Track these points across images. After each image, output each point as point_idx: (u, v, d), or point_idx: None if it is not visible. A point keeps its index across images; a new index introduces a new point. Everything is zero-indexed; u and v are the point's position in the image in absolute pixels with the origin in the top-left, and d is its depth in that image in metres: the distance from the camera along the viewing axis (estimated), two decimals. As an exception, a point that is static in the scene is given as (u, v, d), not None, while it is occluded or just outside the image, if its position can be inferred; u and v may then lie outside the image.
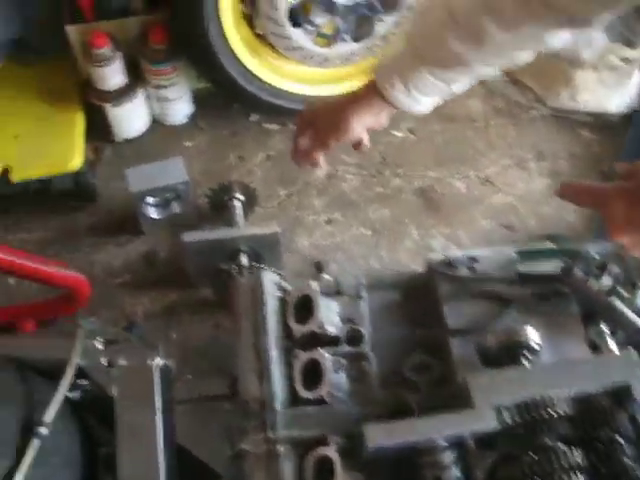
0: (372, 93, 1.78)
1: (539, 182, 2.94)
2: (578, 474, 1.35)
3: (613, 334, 1.63)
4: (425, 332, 1.66)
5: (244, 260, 2.28)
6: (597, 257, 1.64)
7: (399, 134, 3.00)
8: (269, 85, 2.78)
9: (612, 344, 1.60)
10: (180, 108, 3.00)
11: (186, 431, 1.92)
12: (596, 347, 1.62)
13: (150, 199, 2.60)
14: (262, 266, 2.08)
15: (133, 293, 2.60)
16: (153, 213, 2.66)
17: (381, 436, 1.36)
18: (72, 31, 2.74)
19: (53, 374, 1.65)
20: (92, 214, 2.80)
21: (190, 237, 2.32)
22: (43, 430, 1.36)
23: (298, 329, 1.58)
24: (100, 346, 1.62)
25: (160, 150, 2.94)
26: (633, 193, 1.44)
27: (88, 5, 2.68)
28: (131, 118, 2.92)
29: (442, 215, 2.84)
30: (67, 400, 1.54)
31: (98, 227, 2.76)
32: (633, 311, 1.60)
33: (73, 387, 1.56)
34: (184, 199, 2.62)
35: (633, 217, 1.44)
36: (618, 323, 1.62)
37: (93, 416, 1.66)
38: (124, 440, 1.47)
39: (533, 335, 1.49)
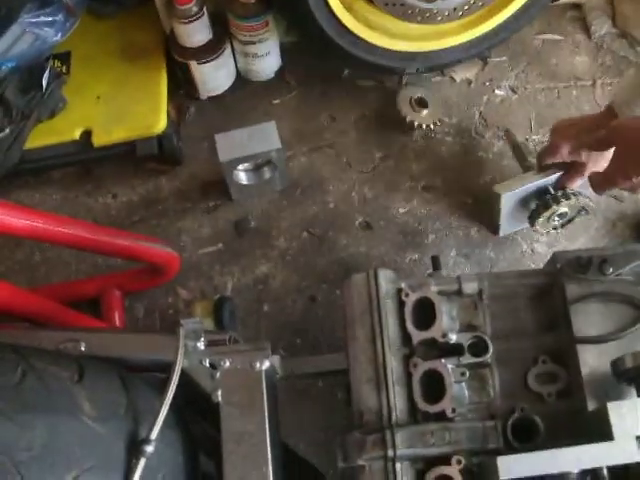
0: None
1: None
2: None
3: None
4: (550, 338, 1.57)
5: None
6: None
7: (500, 92, 2.85)
8: (363, 41, 2.62)
9: None
10: (268, 63, 2.85)
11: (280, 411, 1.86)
12: None
13: (240, 166, 2.48)
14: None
15: (222, 263, 2.51)
16: (243, 179, 2.56)
17: (514, 469, 1.28)
18: (154, -16, 2.61)
19: (151, 370, 1.60)
20: (177, 177, 2.69)
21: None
22: (149, 448, 1.29)
23: (417, 335, 1.50)
24: (202, 347, 1.55)
25: (247, 108, 2.82)
26: None
27: (172, -45, 2.55)
28: (216, 75, 2.78)
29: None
30: (178, 413, 1.50)
31: (184, 191, 2.66)
32: None
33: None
34: (276, 164, 2.50)
35: None
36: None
37: (193, 412, 1.61)
38: (230, 449, 1.44)
39: None
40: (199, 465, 1.52)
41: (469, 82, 2.88)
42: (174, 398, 1.38)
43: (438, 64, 2.80)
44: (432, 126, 2.72)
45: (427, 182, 2.64)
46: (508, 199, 2.28)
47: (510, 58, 2.94)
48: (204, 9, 2.56)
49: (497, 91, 2.86)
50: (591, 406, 1.43)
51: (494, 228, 2.46)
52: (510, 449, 1.41)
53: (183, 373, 1.45)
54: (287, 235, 2.55)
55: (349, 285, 1.58)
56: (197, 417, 1.61)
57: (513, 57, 2.94)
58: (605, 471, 1.31)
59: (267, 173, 2.56)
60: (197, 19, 2.56)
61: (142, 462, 1.26)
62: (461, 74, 2.89)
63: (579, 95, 2.84)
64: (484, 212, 2.55)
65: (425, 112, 2.73)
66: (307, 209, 2.60)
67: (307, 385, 2.25)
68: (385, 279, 1.57)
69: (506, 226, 2.43)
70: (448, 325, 1.52)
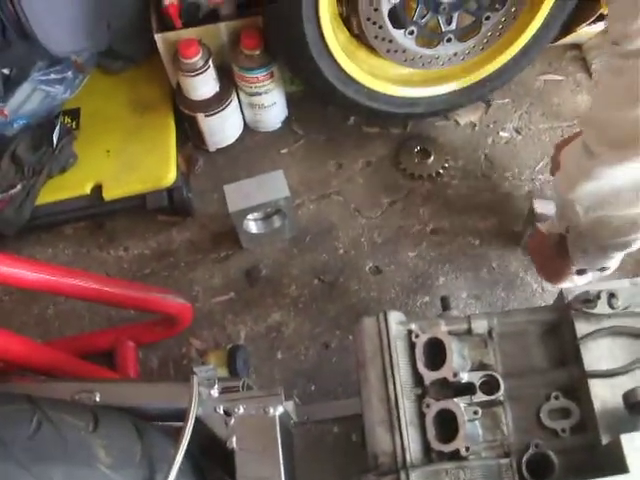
0: None
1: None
2: None
3: None
4: (562, 374, 1.58)
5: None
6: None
7: (504, 134, 2.87)
8: (367, 88, 2.65)
9: None
10: (274, 114, 2.89)
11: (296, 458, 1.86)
12: None
13: (250, 215, 2.50)
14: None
15: (235, 312, 2.53)
16: (253, 228, 2.58)
17: None
18: (161, 39, 2.64)
19: (166, 419, 1.61)
20: (188, 229, 2.72)
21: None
22: (164, 498, 1.30)
23: (429, 376, 1.51)
24: (216, 394, 1.56)
25: (255, 158, 2.85)
26: None
27: (176, 12, 2.57)
28: (224, 127, 2.82)
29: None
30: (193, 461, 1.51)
31: (195, 242, 2.68)
32: None
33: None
34: (285, 213, 2.52)
35: None
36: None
37: (209, 459, 1.62)
38: None
39: None
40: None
41: (473, 125, 2.91)
42: (189, 445, 1.39)
43: (442, 108, 2.83)
44: (439, 171, 2.75)
45: (435, 225, 2.66)
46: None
47: (513, 100, 2.97)
48: (210, 62, 2.60)
49: (501, 133, 2.88)
50: (605, 440, 1.43)
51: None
52: (526, 486, 1.42)
53: (197, 420, 1.46)
54: (298, 282, 2.57)
55: (360, 328, 1.59)
56: (213, 465, 1.61)
57: (516, 99, 2.97)
58: (622, 505, 1.32)
59: (277, 221, 2.58)
60: (203, 72, 2.60)
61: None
62: (465, 117, 2.92)
63: (583, 133, 2.86)
64: (493, 252, 2.56)
65: (430, 160, 2.77)
66: (317, 256, 2.62)
67: (323, 431, 2.24)
68: (395, 321, 1.58)
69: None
70: (459, 364, 1.53)
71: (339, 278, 2.55)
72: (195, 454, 1.54)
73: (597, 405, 1.48)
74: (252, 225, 2.57)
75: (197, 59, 2.57)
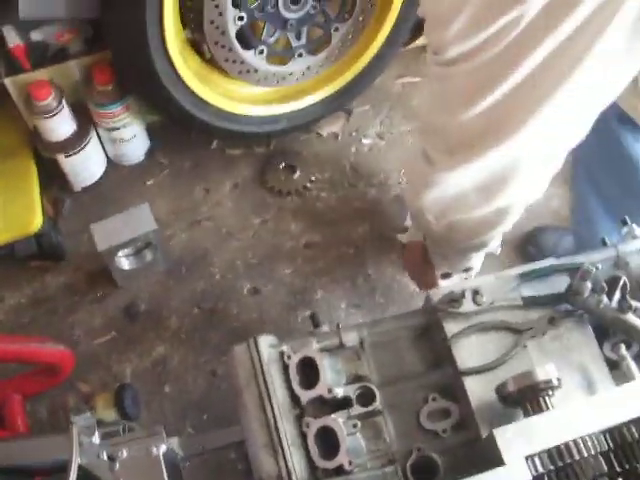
0: None
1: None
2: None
3: (628, 347, 1.56)
4: (437, 375, 1.60)
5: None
6: (599, 267, 1.57)
7: (367, 141, 2.91)
8: (225, 111, 2.66)
9: (630, 361, 1.54)
10: (136, 146, 2.87)
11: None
12: (613, 363, 1.56)
13: (121, 251, 2.48)
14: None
15: (119, 351, 2.50)
16: (125, 264, 2.56)
17: None
18: (11, 83, 2.59)
19: (48, 473, 1.58)
20: (62, 272, 2.68)
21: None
22: None
23: (305, 395, 1.51)
24: (98, 441, 1.54)
25: (122, 193, 2.83)
26: None
27: (22, 53, 2.53)
28: (87, 165, 2.78)
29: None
30: None
31: (71, 285, 2.65)
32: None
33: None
34: (156, 245, 2.50)
35: None
36: (632, 337, 1.56)
37: None
38: None
39: (552, 373, 1.43)
40: None
41: (336, 135, 2.94)
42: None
43: (302, 122, 2.85)
44: (307, 185, 2.77)
45: (308, 239, 2.69)
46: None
47: (373, 106, 3.01)
48: (63, 102, 2.56)
49: (364, 140, 2.92)
50: (484, 435, 1.45)
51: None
52: (413, 490, 1.43)
53: (83, 470, 1.44)
54: (178, 313, 2.56)
55: (232, 357, 1.58)
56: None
57: (376, 104, 3.02)
58: (505, 498, 1.34)
59: (148, 255, 2.57)
60: (58, 113, 2.56)
61: None
62: (327, 129, 2.95)
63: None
64: (368, 260, 2.59)
65: (296, 175, 2.80)
66: (194, 285, 2.61)
67: (220, 459, 2.24)
68: (266, 345, 1.57)
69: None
70: (334, 380, 1.53)
71: (218, 304, 2.55)
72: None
73: (474, 402, 1.50)
74: (124, 261, 2.55)
75: (50, 100, 2.53)
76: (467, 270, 2.01)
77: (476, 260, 1.95)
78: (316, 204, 2.76)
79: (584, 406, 1.41)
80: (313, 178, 2.80)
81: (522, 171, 1.59)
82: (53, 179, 2.82)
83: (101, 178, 2.86)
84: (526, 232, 2.65)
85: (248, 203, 2.79)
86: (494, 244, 1.84)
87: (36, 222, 2.57)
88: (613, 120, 1.99)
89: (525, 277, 1.65)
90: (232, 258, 2.66)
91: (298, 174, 2.80)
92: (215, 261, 2.65)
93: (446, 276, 2.06)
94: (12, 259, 2.59)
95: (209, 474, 2.19)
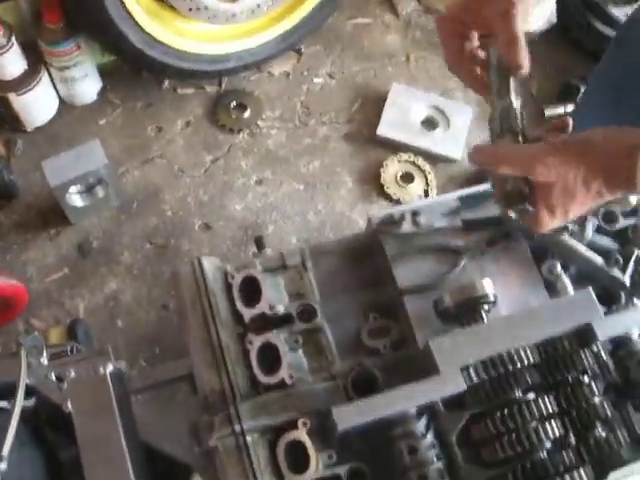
0: None
1: (470, 111, 2.87)
2: (551, 421, 1.35)
3: (565, 269, 1.61)
4: (377, 295, 1.64)
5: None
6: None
7: (318, 80, 2.93)
8: (175, 49, 2.66)
9: (566, 280, 1.60)
10: (88, 86, 2.86)
11: (148, 423, 1.88)
12: (551, 284, 1.61)
13: (73, 188, 2.49)
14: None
15: (71, 287, 2.52)
16: (77, 201, 2.57)
17: (350, 417, 1.34)
18: (-43, 20, 2.59)
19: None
20: (15, 211, 2.68)
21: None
22: (2, 466, 1.31)
23: (248, 313, 1.54)
24: (46, 362, 1.56)
25: (74, 133, 2.83)
26: (563, 150, 1.31)
27: (-28, -9, 2.54)
28: (38, 104, 2.78)
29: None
30: (34, 429, 1.51)
31: (23, 224, 2.65)
32: (585, 244, 1.59)
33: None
34: (107, 182, 2.52)
35: (567, 180, 1.29)
36: (569, 258, 1.60)
37: (49, 426, 1.62)
38: (88, 454, 1.44)
39: (489, 288, 1.48)
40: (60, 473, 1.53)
41: (287, 74, 2.96)
42: (30, 420, 1.40)
43: (253, 61, 2.86)
44: (258, 122, 2.79)
45: (259, 176, 2.72)
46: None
47: (324, 47, 3.02)
48: (12, 39, 2.54)
49: (315, 79, 2.94)
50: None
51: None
52: (353, 404, 1.47)
53: (32, 390, 1.47)
54: (130, 249, 2.58)
55: (177, 278, 1.61)
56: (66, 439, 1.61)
57: (327, 45, 3.03)
58: (441, 406, 1.38)
59: (100, 192, 2.57)
60: (7, 50, 2.54)
61: (-4, 480, 1.28)
62: (278, 68, 2.97)
63: (395, 71, 2.96)
64: (317, 196, 2.63)
65: (247, 114, 2.81)
66: (146, 221, 2.63)
67: (172, 391, 2.26)
68: (210, 265, 1.60)
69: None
70: (276, 298, 1.56)
71: (170, 240, 2.58)
72: (42, 429, 1.54)
73: (413, 319, 1.55)
74: (76, 198, 2.55)
75: (-1, 36, 2.52)
76: None
77: None
78: (267, 141, 2.79)
79: (518, 319, 1.46)
80: (264, 116, 2.82)
81: None
82: (5, 120, 2.81)
83: (54, 118, 2.86)
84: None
85: (200, 141, 2.81)
86: None
87: (-13, 161, 2.57)
88: None
89: (464, 200, 1.69)
90: (184, 195, 2.68)
91: (249, 112, 2.81)
92: (167, 198, 2.67)
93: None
94: (-36, 200, 2.61)
95: (162, 406, 2.22)
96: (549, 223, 1.35)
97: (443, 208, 1.67)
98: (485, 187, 1.70)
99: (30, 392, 1.49)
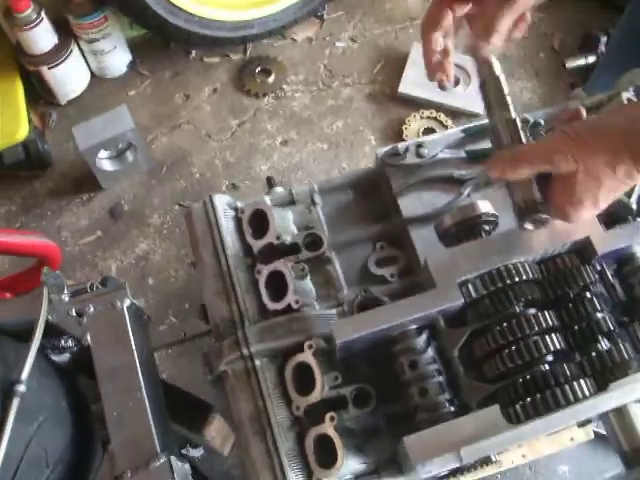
0: None
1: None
2: (552, 335, 1.36)
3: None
4: (384, 226, 1.66)
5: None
6: (542, 122, 1.63)
7: (341, 44, 2.98)
8: (198, 16, 2.73)
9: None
10: (118, 58, 2.96)
11: (179, 373, 1.93)
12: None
13: (102, 153, 2.58)
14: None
15: (104, 249, 2.61)
16: (108, 166, 2.65)
17: (348, 329, 1.35)
18: (-8, -1, 2.68)
19: (28, 336, 1.65)
20: (50, 179, 2.78)
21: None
22: (21, 388, 1.36)
23: (256, 244, 1.57)
24: (67, 298, 1.61)
25: (105, 104, 2.89)
26: (579, 136, 1.25)
27: (1, -31, 2.63)
28: (70, 77, 2.88)
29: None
30: (53, 362, 1.56)
31: (58, 191, 2.75)
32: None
33: (58, 349, 1.57)
34: (136, 147, 2.59)
35: (588, 165, 1.24)
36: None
37: (85, 375, 1.66)
38: (105, 384, 1.48)
39: (487, 207, 1.48)
40: (90, 415, 1.58)
41: (310, 40, 3.01)
42: (47, 350, 1.46)
43: (276, 27, 2.91)
44: (282, 86, 2.85)
45: (284, 137, 2.77)
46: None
47: (346, 12, 3.07)
48: (42, 14, 2.64)
49: (338, 44, 2.99)
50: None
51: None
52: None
53: (54, 326, 1.53)
54: (160, 211, 2.65)
55: (189, 214, 1.65)
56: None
57: (349, 10, 3.08)
58: (442, 323, 1.41)
59: (130, 157, 2.65)
60: (38, 24, 2.64)
61: (16, 402, 1.33)
62: (301, 34, 3.02)
63: (415, 32, 2.98)
64: (342, 154, 2.67)
65: (271, 78, 2.87)
66: (175, 184, 2.70)
67: (201, 344, 2.32)
68: (221, 202, 1.64)
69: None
70: (284, 230, 1.59)
71: (198, 201, 2.61)
72: (69, 368, 1.60)
73: (419, 248, 1.57)
74: (106, 163, 2.64)
75: (29, 12, 2.61)
76: None
77: None
78: (291, 104, 2.84)
79: (515, 234, 1.47)
80: (289, 80, 2.88)
81: None
82: (41, 95, 2.91)
83: (85, 91, 2.96)
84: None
85: (226, 106, 2.87)
86: None
87: (22, 130, 2.66)
88: None
89: (468, 133, 1.72)
90: (211, 158, 2.75)
91: (274, 77, 2.88)
92: (195, 161, 2.74)
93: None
94: (2, 170, 2.70)
95: (191, 359, 2.28)
96: (580, 214, 1.31)
97: (447, 140, 1.70)
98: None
99: (52, 328, 1.54)
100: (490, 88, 1.46)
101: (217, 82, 2.93)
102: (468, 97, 2.78)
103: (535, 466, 2.23)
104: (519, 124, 1.41)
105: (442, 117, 2.74)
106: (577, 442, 1.75)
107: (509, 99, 1.44)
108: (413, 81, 2.79)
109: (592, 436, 1.75)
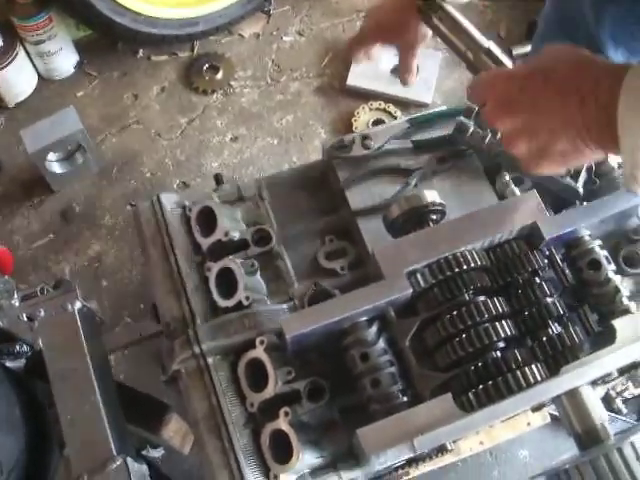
0: None
1: (440, 55, 2.90)
2: (502, 321, 1.38)
3: (519, 183, 1.63)
4: (333, 219, 1.67)
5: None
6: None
7: (288, 38, 2.98)
8: (143, 15, 2.71)
9: (515, 189, 1.61)
10: (65, 60, 2.93)
11: (137, 374, 1.92)
12: (504, 198, 1.62)
13: (52, 155, 2.56)
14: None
15: (56, 252, 2.58)
16: (58, 168, 2.63)
17: (297, 324, 1.36)
18: None
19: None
20: (0, 184, 2.74)
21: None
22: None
23: (205, 242, 1.58)
24: (17, 303, 1.61)
25: (54, 106, 2.85)
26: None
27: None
28: (17, 80, 2.85)
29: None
30: (6, 368, 1.55)
31: (8, 195, 2.72)
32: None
33: (13, 355, 1.57)
34: (85, 148, 2.57)
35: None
36: (520, 169, 1.62)
37: (41, 379, 1.65)
38: (59, 388, 1.48)
39: (433, 197, 1.50)
40: (46, 419, 1.58)
41: (257, 35, 3.01)
42: (2, 357, 1.46)
43: (222, 24, 2.90)
44: (230, 82, 2.85)
45: (234, 133, 2.76)
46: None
47: (292, 6, 3.07)
48: (-15, 17, 2.61)
49: (285, 38, 2.99)
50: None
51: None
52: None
53: (5, 332, 1.52)
54: (112, 212, 2.64)
55: (137, 214, 1.65)
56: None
57: (295, 5, 3.08)
58: (392, 314, 1.42)
59: (79, 158, 2.63)
60: (-20, 28, 2.61)
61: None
62: (248, 30, 3.01)
63: (362, 25, 2.98)
64: (292, 148, 2.67)
65: (219, 75, 2.88)
66: (126, 184, 2.69)
67: (157, 344, 2.30)
68: (168, 200, 1.64)
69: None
70: (232, 227, 1.59)
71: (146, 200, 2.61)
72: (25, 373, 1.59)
73: (368, 239, 1.58)
74: (56, 166, 2.62)
75: (-29, 15, 2.58)
76: None
77: None
78: (240, 100, 2.84)
79: (461, 221, 1.49)
80: (237, 76, 2.87)
81: None
82: (-14, 97, 2.88)
83: (33, 93, 2.92)
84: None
85: (175, 105, 2.86)
86: None
87: (-31, 136, 2.64)
88: None
89: (413, 121, 1.72)
90: (161, 157, 2.74)
91: (222, 73, 2.87)
92: (145, 161, 2.73)
93: None
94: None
95: (148, 359, 2.27)
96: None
97: (393, 131, 1.70)
98: (435, 109, 1.74)
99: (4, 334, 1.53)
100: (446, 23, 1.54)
101: (165, 81, 2.91)
102: (417, 87, 2.78)
103: (496, 452, 2.25)
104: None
105: (391, 108, 2.75)
106: (534, 426, 1.77)
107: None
108: (361, 73, 2.80)
109: (548, 420, 1.78)
